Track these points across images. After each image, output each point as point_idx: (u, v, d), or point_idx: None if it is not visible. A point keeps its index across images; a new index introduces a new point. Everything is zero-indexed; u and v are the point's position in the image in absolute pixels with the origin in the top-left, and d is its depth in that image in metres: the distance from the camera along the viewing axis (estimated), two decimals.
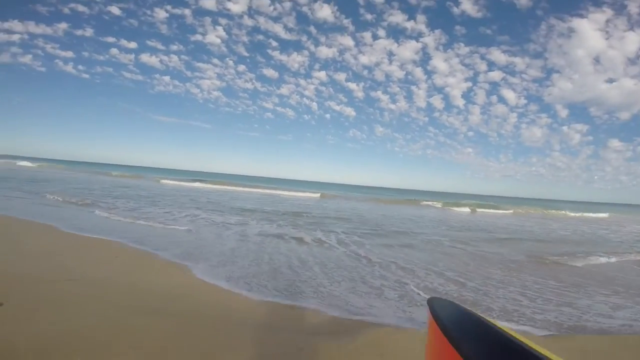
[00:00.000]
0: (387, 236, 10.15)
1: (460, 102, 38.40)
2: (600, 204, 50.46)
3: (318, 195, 26.71)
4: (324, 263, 6.38)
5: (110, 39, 38.75)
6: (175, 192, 20.28)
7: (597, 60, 32.92)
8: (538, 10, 33.35)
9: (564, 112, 36.34)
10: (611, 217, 27.98)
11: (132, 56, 39.85)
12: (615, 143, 35.78)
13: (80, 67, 40.20)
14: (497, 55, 35.11)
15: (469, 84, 37.34)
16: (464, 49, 36.07)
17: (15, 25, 36.04)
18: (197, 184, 29.78)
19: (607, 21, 31.00)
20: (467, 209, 24.82)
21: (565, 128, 37.27)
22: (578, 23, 32.94)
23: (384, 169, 66.95)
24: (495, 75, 35.86)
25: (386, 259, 6.99)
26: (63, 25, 36.84)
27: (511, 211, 26.32)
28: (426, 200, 29.37)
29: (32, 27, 36.52)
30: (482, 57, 35.82)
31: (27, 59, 37.86)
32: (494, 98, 37.22)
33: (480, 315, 0.87)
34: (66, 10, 36.68)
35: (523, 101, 36.62)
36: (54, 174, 27.71)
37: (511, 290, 5.46)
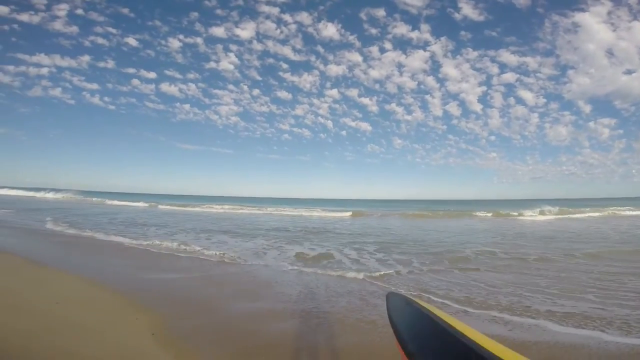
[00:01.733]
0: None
1: (477, 107, 36.51)
2: None
3: (349, 214, 23.28)
4: None
5: (131, 70, 39.82)
6: (204, 217, 18.26)
7: (610, 52, 30.49)
8: (538, 8, 32.21)
9: (587, 108, 34.29)
10: None
11: (153, 86, 40.77)
12: None
13: (106, 98, 41.28)
14: (507, 56, 33.77)
15: (484, 87, 35.59)
16: (472, 54, 34.53)
17: (43, 58, 37.61)
18: (224, 209, 27.63)
19: (609, 13, 29.05)
20: (546, 217, 20.31)
21: (591, 124, 34.73)
22: (581, 17, 30.24)
23: (406, 181, 63.75)
24: (509, 76, 34.26)
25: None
26: (86, 58, 38.21)
27: (597, 214, 21.74)
28: (477, 212, 25.05)
29: (58, 60, 37.96)
30: (493, 60, 34.28)
31: (57, 92, 39.40)
32: (512, 100, 35.40)
33: (434, 311, 0.84)
34: (87, 43, 38.16)
35: (542, 100, 34.44)
36: (76, 204, 26.77)
37: None
